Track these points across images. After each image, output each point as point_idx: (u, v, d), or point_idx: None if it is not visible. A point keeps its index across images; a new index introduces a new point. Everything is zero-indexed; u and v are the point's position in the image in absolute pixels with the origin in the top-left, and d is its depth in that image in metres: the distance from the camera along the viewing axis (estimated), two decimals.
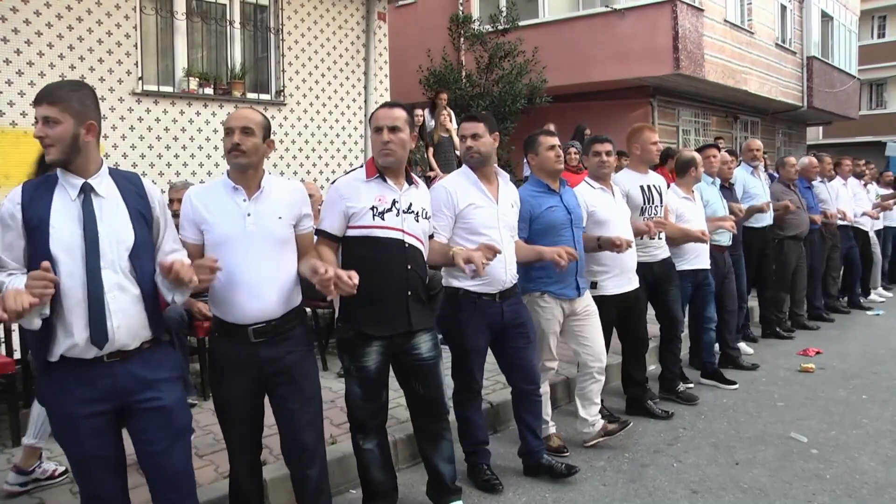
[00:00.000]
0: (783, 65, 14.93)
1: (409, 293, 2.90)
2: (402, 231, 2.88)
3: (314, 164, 7.56)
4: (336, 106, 7.77)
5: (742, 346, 5.91)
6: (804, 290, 7.01)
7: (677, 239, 4.71)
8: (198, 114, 6.61)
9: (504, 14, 11.27)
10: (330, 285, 2.43)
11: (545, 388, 3.79)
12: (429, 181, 7.38)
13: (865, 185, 8.81)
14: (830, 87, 16.83)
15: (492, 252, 3.03)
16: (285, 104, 7.33)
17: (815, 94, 15.87)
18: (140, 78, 6.23)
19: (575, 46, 11.64)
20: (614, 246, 3.82)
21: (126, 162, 6.03)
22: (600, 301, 3.97)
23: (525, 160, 4.04)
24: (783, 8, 15.14)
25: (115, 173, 2.28)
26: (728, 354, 5.51)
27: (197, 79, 6.64)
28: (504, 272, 3.31)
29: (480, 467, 3.48)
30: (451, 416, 3.30)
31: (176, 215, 2.58)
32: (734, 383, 5.09)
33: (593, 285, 4.02)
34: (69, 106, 2.12)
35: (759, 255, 6.30)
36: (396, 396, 3.32)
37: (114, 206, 2.20)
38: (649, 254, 4.51)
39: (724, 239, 5.37)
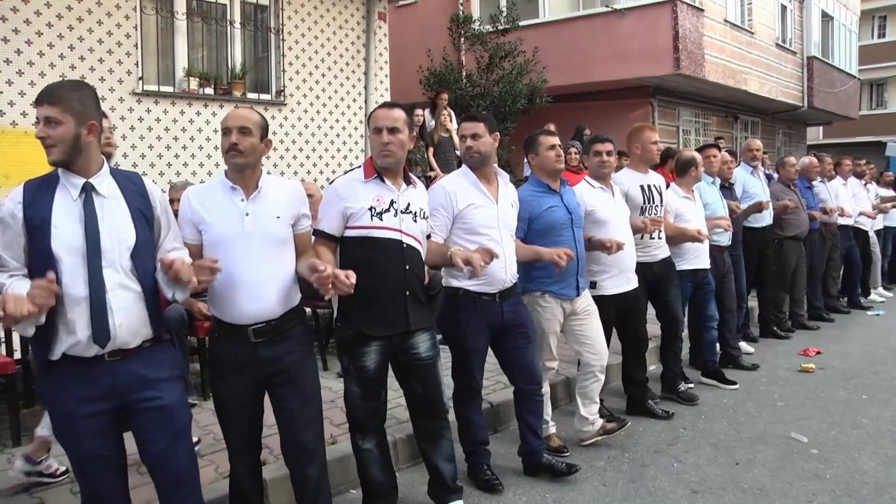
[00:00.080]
0: (783, 65, 14.93)
1: (408, 293, 2.90)
2: (401, 231, 2.88)
3: (314, 164, 7.57)
4: (336, 106, 7.78)
5: (742, 345, 5.91)
6: (804, 289, 7.01)
7: (674, 238, 4.71)
8: (198, 114, 6.62)
9: (504, 14, 11.27)
10: (328, 283, 2.43)
11: (545, 388, 3.79)
12: (429, 181, 7.39)
13: (866, 184, 8.81)
14: (831, 87, 16.83)
15: (490, 256, 3.03)
16: (285, 104, 7.33)
17: (815, 94, 15.87)
18: (140, 78, 6.23)
19: (575, 46, 11.64)
20: (603, 248, 3.83)
21: (126, 162, 6.03)
22: (599, 301, 3.97)
23: (525, 160, 4.04)
24: (783, 8, 15.14)
25: (116, 173, 2.29)
26: (729, 354, 5.51)
27: (197, 79, 6.64)
28: (504, 272, 3.31)
29: (480, 467, 3.48)
30: (451, 416, 3.30)
31: (176, 215, 2.58)
32: (734, 383, 5.09)
33: (592, 285, 4.02)
34: (70, 106, 2.13)
35: (759, 255, 6.30)
36: (396, 396, 3.33)
37: (115, 205, 2.21)
38: (649, 253, 4.51)
39: (724, 239, 5.37)
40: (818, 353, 6.01)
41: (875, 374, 5.44)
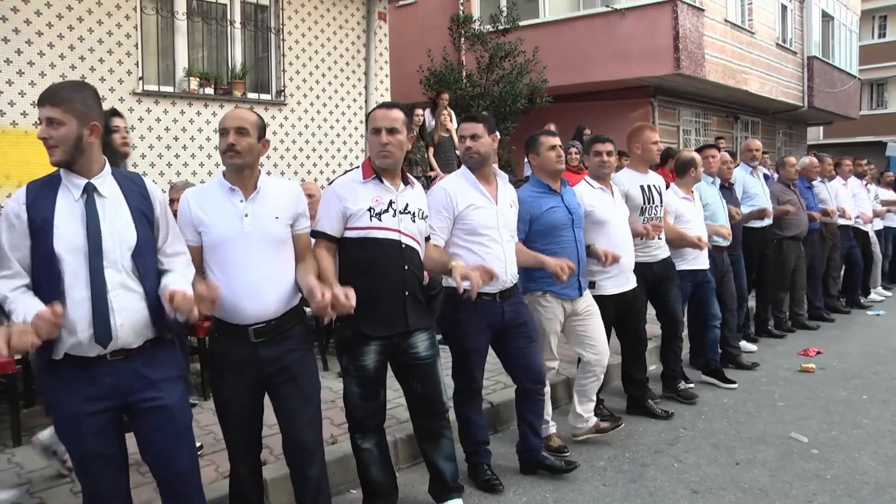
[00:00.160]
0: (784, 65, 14.93)
1: (406, 293, 2.90)
2: (399, 232, 2.89)
3: (314, 164, 7.57)
4: (336, 106, 7.78)
5: (744, 344, 5.93)
6: (804, 289, 7.01)
7: (674, 243, 4.72)
8: (198, 114, 6.62)
9: (504, 14, 11.28)
10: (326, 311, 2.47)
11: (546, 388, 3.79)
12: (429, 181, 7.39)
13: (867, 185, 8.81)
14: (831, 87, 16.83)
15: (489, 276, 3.02)
16: (286, 104, 7.34)
17: (815, 94, 15.88)
18: (141, 78, 6.24)
19: (575, 46, 11.64)
20: (599, 259, 3.82)
21: (127, 162, 6.03)
22: (598, 301, 3.97)
23: (526, 160, 4.04)
24: (784, 8, 15.14)
25: (117, 173, 2.30)
26: (729, 353, 5.51)
27: (197, 79, 6.65)
28: (504, 272, 3.31)
29: (481, 467, 3.48)
30: (452, 416, 3.30)
31: (175, 215, 2.58)
32: (734, 383, 5.09)
33: (591, 285, 4.02)
34: (72, 107, 2.14)
35: (759, 254, 6.31)
36: (396, 396, 3.33)
37: (116, 206, 2.22)
38: (649, 254, 4.50)
39: (722, 240, 5.37)
40: (818, 353, 6.01)
41: (875, 374, 5.44)
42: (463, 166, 3.43)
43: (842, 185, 8.00)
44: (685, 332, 5.07)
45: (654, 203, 4.52)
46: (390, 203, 2.88)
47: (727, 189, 5.77)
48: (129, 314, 2.17)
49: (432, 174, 7.99)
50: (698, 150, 5.47)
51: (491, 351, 3.48)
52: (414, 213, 2.96)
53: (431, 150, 8.34)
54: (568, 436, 4.01)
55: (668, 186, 4.86)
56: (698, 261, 4.92)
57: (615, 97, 12.02)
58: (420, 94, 10.38)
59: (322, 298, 2.44)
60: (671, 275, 4.66)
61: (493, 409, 4.23)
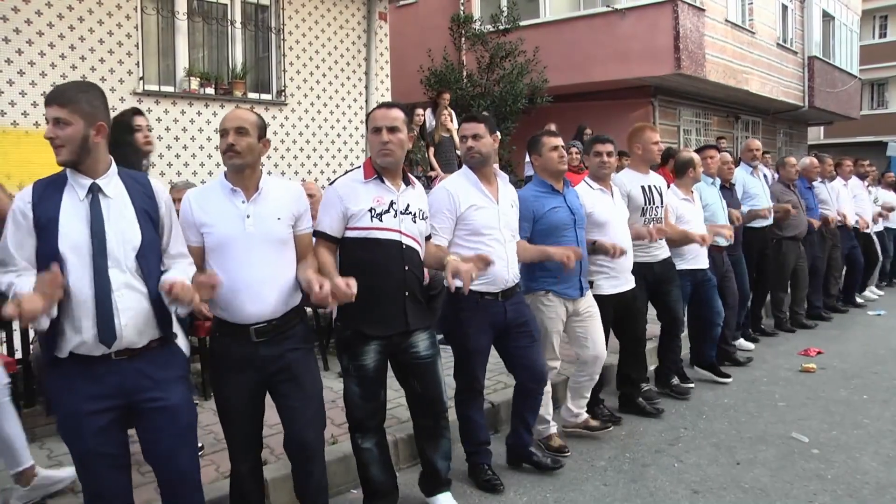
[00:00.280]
0: (784, 65, 14.93)
1: (407, 293, 2.90)
2: (400, 232, 2.89)
3: (315, 164, 7.57)
4: (337, 106, 7.78)
5: (741, 342, 5.98)
6: (805, 289, 7.01)
7: (677, 241, 4.71)
8: (199, 114, 6.62)
9: (505, 14, 11.29)
10: (326, 300, 2.47)
11: (547, 388, 3.79)
12: (430, 181, 7.40)
13: (868, 186, 8.81)
14: (832, 87, 16.83)
15: (484, 263, 3.02)
16: (286, 104, 7.34)
17: (816, 94, 15.87)
18: (141, 78, 6.24)
19: (576, 46, 11.65)
20: (607, 252, 3.85)
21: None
22: (597, 301, 3.97)
23: (528, 160, 4.04)
24: (784, 8, 15.14)
25: (123, 173, 2.30)
26: (725, 350, 5.52)
27: (198, 79, 6.65)
28: (506, 271, 3.31)
29: (482, 467, 3.48)
30: (452, 415, 3.30)
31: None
32: (728, 377, 5.15)
33: (590, 285, 4.02)
34: (79, 107, 2.15)
35: (759, 254, 6.31)
36: (397, 396, 3.33)
37: (121, 206, 2.23)
38: (649, 254, 4.50)
39: (722, 240, 5.37)
40: (819, 353, 6.01)
41: (876, 374, 5.44)
42: (464, 166, 3.43)
43: (842, 185, 8.00)
44: (685, 332, 5.08)
45: (654, 203, 4.52)
46: (391, 203, 2.89)
47: (728, 189, 5.77)
48: (133, 314, 2.18)
49: (433, 174, 8.00)
50: (698, 151, 5.47)
51: (492, 351, 3.48)
52: (415, 214, 2.96)
53: (432, 149, 8.35)
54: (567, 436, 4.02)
55: (668, 187, 4.85)
56: (697, 260, 4.92)
57: (616, 97, 12.03)
58: (420, 94, 10.39)
59: (320, 289, 2.44)
60: (672, 275, 4.65)
61: (494, 409, 4.23)
